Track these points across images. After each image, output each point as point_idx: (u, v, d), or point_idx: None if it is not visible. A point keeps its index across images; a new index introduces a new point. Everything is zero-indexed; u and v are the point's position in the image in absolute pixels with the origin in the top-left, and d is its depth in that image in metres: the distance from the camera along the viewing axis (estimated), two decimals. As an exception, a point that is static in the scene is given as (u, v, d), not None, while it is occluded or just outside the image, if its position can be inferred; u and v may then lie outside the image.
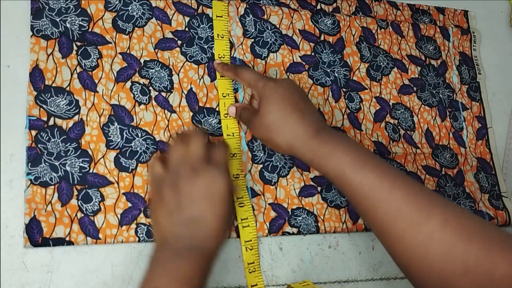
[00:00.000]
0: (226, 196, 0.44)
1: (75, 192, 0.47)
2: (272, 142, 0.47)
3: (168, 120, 0.52)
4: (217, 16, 0.56)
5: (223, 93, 0.54)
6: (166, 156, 0.47)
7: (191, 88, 0.54)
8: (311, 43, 0.59)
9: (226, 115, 0.53)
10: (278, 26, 0.59)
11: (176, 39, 0.54)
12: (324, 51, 0.60)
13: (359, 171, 0.42)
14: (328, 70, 0.59)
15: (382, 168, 0.43)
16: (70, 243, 0.46)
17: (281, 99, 0.47)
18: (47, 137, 0.47)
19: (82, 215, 0.47)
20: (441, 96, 0.64)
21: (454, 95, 0.64)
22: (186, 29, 0.55)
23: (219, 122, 0.53)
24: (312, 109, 0.49)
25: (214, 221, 0.43)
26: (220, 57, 0.55)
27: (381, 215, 0.42)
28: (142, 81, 0.52)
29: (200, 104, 0.53)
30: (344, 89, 0.59)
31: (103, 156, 0.49)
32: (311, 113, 0.48)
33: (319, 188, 0.55)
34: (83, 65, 0.50)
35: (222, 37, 0.55)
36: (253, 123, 0.48)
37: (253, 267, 0.50)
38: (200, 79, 0.54)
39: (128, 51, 0.52)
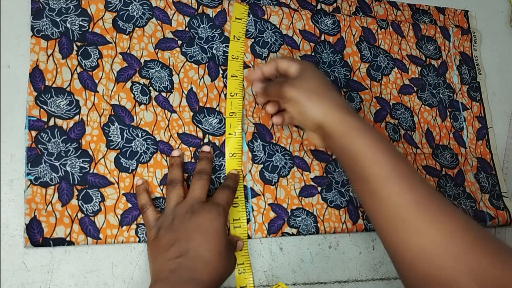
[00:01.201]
0: (222, 232, 0.44)
1: (76, 192, 0.47)
2: (305, 107, 0.46)
3: (169, 120, 0.52)
4: (236, 18, 0.56)
5: (231, 93, 0.54)
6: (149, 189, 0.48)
7: (191, 88, 0.54)
8: (311, 43, 0.59)
9: (231, 114, 0.53)
10: (278, 26, 0.59)
11: (177, 39, 0.54)
12: (324, 51, 0.60)
13: (392, 167, 0.42)
14: (328, 70, 0.59)
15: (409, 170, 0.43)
16: (70, 243, 0.46)
17: (321, 76, 0.48)
18: (47, 138, 0.47)
19: (83, 215, 0.47)
20: (441, 96, 0.64)
21: (455, 95, 0.64)
22: (187, 29, 0.55)
23: (219, 122, 0.53)
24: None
25: (210, 255, 0.43)
26: (233, 58, 0.55)
27: (386, 215, 0.42)
28: (142, 81, 0.52)
29: (201, 104, 0.53)
30: (344, 89, 0.59)
31: (103, 156, 0.49)
32: (343, 98, 0.49)
33: (319, 188, 0.55)
34: (83, 65, 0.50)
35: (239, 39, 0.55)
36: (290, 84, 0.47)
37: (242, 268, 0.50)
38: (200, 79, 0.54)
39: (128, 51, 0.52)
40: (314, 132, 0.48)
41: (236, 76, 0.54)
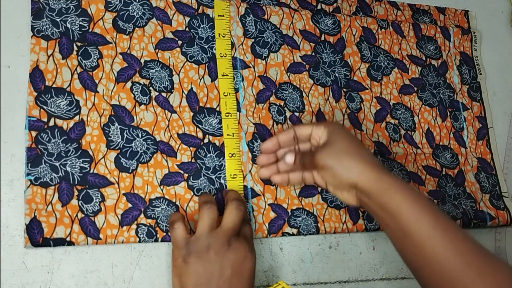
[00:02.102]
0: (253, 272, 0.45)
1: (76, 193, 0.47)
2: (340, 170, 0.45)
3: (169, 120, 0.52)
4: (218, 16, 0.56)
5: (224, 92, 0.54)
6: (185, 218, 0.47)
7: (192, 88, 0.54)
8: (311, 43, 0.59)
9: (227, 115, 0.53)
10: (278, 26, 0.58)
11: (177, 39, 0.54)
12: (325, 51, 0.60)
13: (435, 232, 0.42)
14: (329, 70, 0.59)
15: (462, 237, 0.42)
16: (70, 243, 0.46)
17: (349, 135, 0.48)
18: (48, 138, 0.47)
19: (83, 215, 0.47)
20: (441, 96, 0.64)
21: (455, 95, 0.64)
22: (187, 29, 0.55)
23: (220, 122, 0.53)
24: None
25: None
26: (221, 56, 0.55)
27: (429, 271, 0.42)
28: (142, 81, 0.52)
29: (201, 104, 0.53)
30: (344, 89, 0.59)
31: (103, 157, 0.49)
32: (374, 156, 0.49)
33: (319, 189, 0.55)
34: (83, 65, 0.50)
35: (224, 36, 0.55)
36: (323, 152, 0.46)
37: None
38: (200, 79, 0.54)
39: (128, 51, 0.52)
40: (348, 192, 0.47)
41: (227, 75, 0.54)
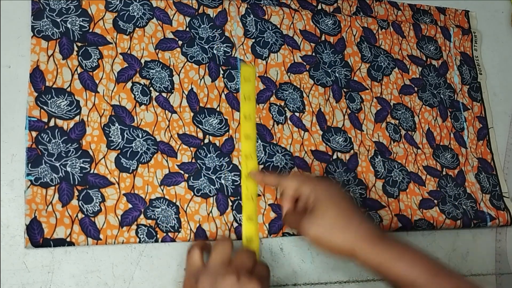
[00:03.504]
0: None
1: (76, 193, 0.47)
2: (330, 242, 0.44)
3: (169, 121, 0.52)
4: (244, 79, 0.54)
5: (246, 154, 0.52)
6: (207, 247, 0.47)
7: (192, 88, 0.54)
8: (312, 43, 0.59)
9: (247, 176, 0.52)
10: (279, 26, 0.58)
11: (177, 39, 0.54)
12: (325, 51, 0.60)
13: (432, 279, 0.41)
14: (329, 70, 0.59)
15: (456, 280, 0.42)
16: (71, 243, 0.46)
17: (339, 200, 0.45)
18: (48, 138, 0.47)
19: (83, 215, 0.47)
20: (442, 96, 0.64)
21: (455, 95, 0.64)
22: (187, 29, 0.55)
23: (220, 123, 0.53)
24: (366, 215, 0.47)
25: None
26: (245, 117, 0.53)
27: None
28: (142, 81, 0.52)
29: (201, 105, 0.53)
30: (345, 90, 0.59)
31: (104, 157, 0.49)
32: (369, 219, 0.46)
33: (319, 189, 0.55)
34: (83, 65, 0.50)
35: (250, 99, 0.54)
36: (309, 223, 0.45)
37: None
38: (200, 80, 0.54)
39: (128, 52, 0.52)
40: (344, 258, 0.46)
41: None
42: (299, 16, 0.60)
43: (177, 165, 0.51)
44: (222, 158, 0.52)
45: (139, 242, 0.48)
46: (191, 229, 0.49)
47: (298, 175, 0.49)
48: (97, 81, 0.50)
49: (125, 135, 0.50)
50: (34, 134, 0.47)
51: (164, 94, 0.52)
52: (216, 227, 0.50)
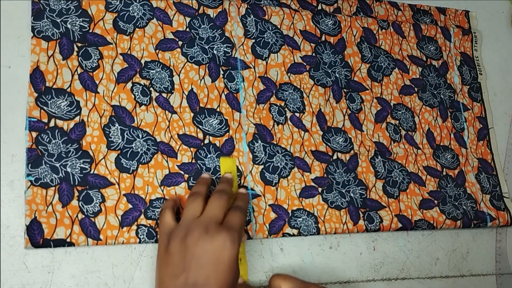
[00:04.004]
0: (235, 263, 0.42)
1: (76, 193, 0.47)
2: None
3: (169, 121, 0.52)
4: (225, 172, 0.52)
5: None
6: (178, 205, 0.47)
7: (192, 88, 0.54)
8: (312, 44, 0.59)
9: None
10: (279, 26, 0.58)
11: (177, 39, 0.54)
12: (325, 52, 0.60)
13: None
14: (329, 71, 0.59)
15: None
16: (71, 244, 0.46)
17: None
18: (48, 139, 0.47)
19: (83, 216, 0.47)
20: (442, 96, 0.64)
21: (455, 96, 0.64)
22: (187, 29, 0.55)
23: (220, 123, 0.53)
24: None
25: None
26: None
27: None
28: (143, 82, 0.52)
29: (201, 105, 0.53)
30: (345, 90, 0.59)
31: (104, 157, 0.49)
32: None
33: (319, 189, 0.55)
34: (83, 66, 0.50)
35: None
36: None
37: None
38: (201, 80, 0.54)
39: (129, 52, 0.52)
40: None
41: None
42: (299, 16, 0.60)
43: (177, 166, 0.51)
44: (222, 159, 0.52)
45: (139, 242, 0.48)
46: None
47: (294, 280, 0.46)
48: (97, 82, 0.50)
49: (125, 136, 0.50)
50: (34, 134, 0.47)
51: (164, 95, 0.52)
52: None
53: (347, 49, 0.61)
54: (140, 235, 0.48)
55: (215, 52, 0.55)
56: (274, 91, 0.56)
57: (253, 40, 0.57)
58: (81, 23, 0.51)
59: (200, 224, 0.43)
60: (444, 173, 0.60)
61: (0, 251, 0.45)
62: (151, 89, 0.52)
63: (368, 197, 0.56)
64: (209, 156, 0.52)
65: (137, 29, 0.53)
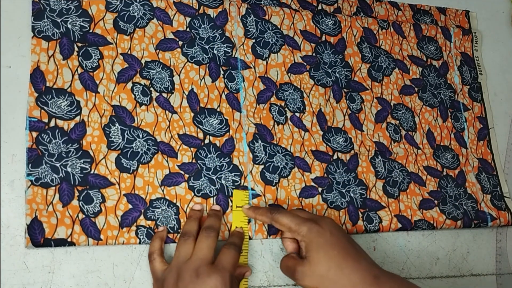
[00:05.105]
0: None
1: (76, 193, 0.47)
2: None
3: (169, 121, 0.52)
4: (236, 207, 0.51)
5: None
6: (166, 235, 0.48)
7: (192, 88, 0.54)
8: (312, 44, 0.59)
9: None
10: (279, 26, 0.59)
11: (177, 39, 0.54)
12: (325, 52, 0.60)
13: None
14: (329, 71, 0.59)
15: None
16: (71, 244, 0.46)
17: (332, 245, 0.44)
18: (48, 139, 0.47)
19: (83, 216, 0.47)
20: (442, 96, 0.64)
21: (456, 96, 0.64)
22: (187, 29, 0.55)
23: (220, 123, 0.53)
24: (361, 251, 0.46)
25: None
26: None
27: None
28: (143, 81, 0.52)
29: (201, 105, 0.53)
30: (345, 90, 0.59)
31: (104, 157, 0.49)
32: (364, 256, 0.45)
33: (319, 189, 0.55)
34: (84, 66, 0.50)
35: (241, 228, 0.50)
36: (302, 272, 0.44)
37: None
38: (201, 80, 0.54)
39: (129, 52, 0.52)
40: None
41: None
42: (299, 16, 0.60)
43: (178, 166, 0.51)
44: (222, 159, 0.52)
45: (139, 243, 0.48)
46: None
47: (290, 215, 0.47)
48: (97, 82, 0.50)
49: (126, 136, 0.50)
50: (34, 134, 0.47)
51: (164, 95, 0.52)
52: (216, 227, 0.50)
53: (347, 49, 0.61)
54: (140, 236, 0.48)
55: (215, 52, 0.55)
56: (274, 91, 0.56)
57: (254, 40, 0.57)
58: (82, 23, 0.51)
59: (190, 267, 0.43)
60: (444, 173, 0.60)
61: (1, 250, 0.45)
62: (152, 89, 0.52)
63: (368, 197, 0.56)
64: (209, 156, 0.52)
65: (137, 29, 0.53)
